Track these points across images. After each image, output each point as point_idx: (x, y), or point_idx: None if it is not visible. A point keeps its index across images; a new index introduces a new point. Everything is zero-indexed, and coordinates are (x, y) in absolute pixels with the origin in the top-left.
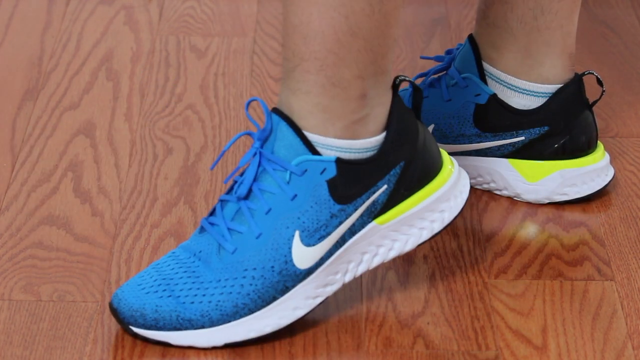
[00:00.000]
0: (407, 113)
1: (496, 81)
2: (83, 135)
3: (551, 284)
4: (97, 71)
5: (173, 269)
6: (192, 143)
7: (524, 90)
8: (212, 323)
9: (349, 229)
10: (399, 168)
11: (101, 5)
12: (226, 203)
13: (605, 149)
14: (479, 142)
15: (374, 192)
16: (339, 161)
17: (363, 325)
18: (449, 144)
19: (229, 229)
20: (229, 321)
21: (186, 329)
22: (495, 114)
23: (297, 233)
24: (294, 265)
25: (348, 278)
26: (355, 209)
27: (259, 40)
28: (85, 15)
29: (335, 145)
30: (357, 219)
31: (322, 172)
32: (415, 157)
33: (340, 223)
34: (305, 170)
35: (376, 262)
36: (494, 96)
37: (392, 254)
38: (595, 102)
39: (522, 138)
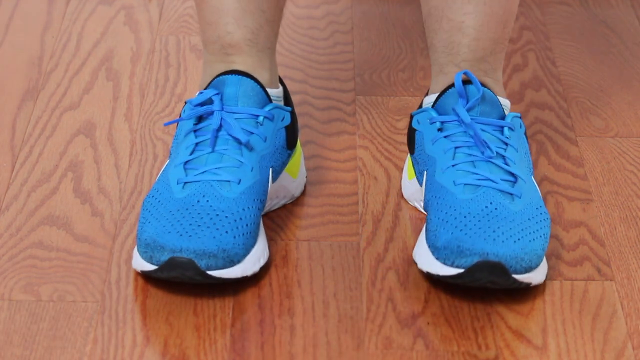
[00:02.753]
0: None
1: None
2: (83, 135)
3: (551, 284)
4: (97, 71)
5: (483, 218)
6: None
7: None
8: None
9: None
10: None
11: (101, 5)
12: (484, 162)
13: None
14: None
15: None
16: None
17: (363, 325)
18: None
19: (502, 179)
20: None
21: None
22: None
23: None
24: None
25: None
26: None
27: None
28: (85, 15)
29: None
30: None
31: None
32: None
33: None
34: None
35: None
36: None
37: None
38: None
39: None
